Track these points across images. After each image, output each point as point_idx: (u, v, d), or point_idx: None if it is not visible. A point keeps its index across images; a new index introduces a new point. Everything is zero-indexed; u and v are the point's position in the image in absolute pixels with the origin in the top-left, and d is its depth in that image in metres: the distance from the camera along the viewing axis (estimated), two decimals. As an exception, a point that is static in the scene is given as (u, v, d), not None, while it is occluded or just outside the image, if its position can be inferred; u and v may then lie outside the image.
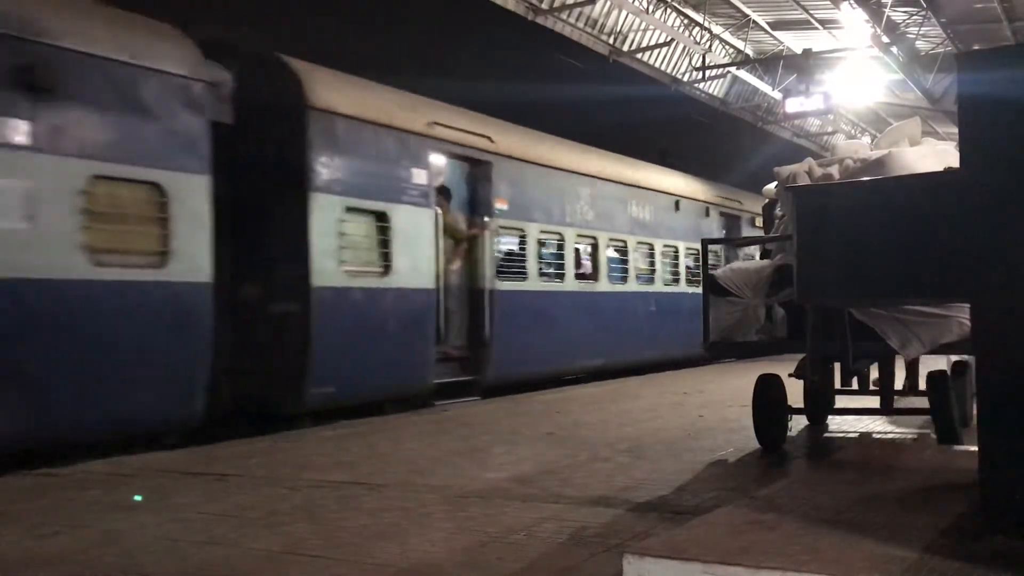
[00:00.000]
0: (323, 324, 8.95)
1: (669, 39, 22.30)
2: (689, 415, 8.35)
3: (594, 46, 21.65)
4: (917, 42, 21.34)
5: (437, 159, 10.83)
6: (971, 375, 6.50)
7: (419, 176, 10.32)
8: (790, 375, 6.24)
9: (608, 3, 20.70)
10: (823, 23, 21.16)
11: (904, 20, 20.30)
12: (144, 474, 5.89)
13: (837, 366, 6.49)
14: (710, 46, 22.62)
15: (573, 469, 5.70)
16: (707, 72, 24.16)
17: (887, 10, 18.85)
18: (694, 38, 22.23)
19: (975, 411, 3.47)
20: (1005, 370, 3.20)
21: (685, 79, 24.87)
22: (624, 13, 21.07)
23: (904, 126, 6.93)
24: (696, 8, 21.36)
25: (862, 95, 24.31)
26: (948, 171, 4.85)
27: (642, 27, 21.83)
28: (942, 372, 6.29)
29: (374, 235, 9.79)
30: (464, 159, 11.43)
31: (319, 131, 9.11)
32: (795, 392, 6.55)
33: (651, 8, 20.47)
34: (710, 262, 10.73)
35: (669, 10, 21.24)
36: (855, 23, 18.93)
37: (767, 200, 7.83)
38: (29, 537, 4.26)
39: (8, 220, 6.53)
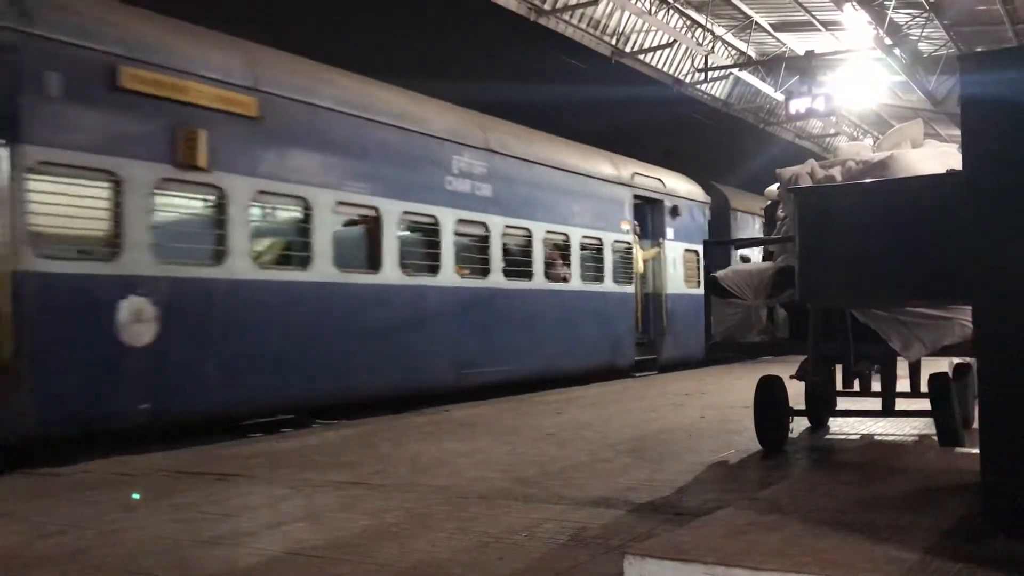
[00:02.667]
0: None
1: (671, 40, 22.32)
2: (690, 416, 8.35)
3: (596, 47, 21.67)
4: (920, 44, 21.35)
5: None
6: (973, 377, 6.49)
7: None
8: (791, 376, 6.24)
9: (611, 4, 20.71)
10: (825, 25, 21.17)
11: (907, 22, 20.31)
12: (145, 474, 5.90)
13: (839, 368, 6.49)
14: (712, 47, 22.64)
15: (574, 470, 5.70)
16: (709, 73, 24.19)
17: (890, 12, 18.86)
18: (696, 39, 22.25)
19: (977, 413, 3.47)
20: (1007, 372, 3.19)
21: (687, 80, 24.88)
22: (627, 14, 21.09)
23: (906, 128, 6.93)
24: (698, 9, 21.38)
25: (864, 97, 24.32)
26: (950, 173, 4.85)
27: (644, 28, 21.86)
28: (944, 374, 6.28)
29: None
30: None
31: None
32: (796, 394, 6.54)
33: (653, 9, 20.49)
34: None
35: (671, 11, 21.26)
36: (857, 25, 18.94)
37: (769, 202, 7.83)
38: (30, 537, 4.26)
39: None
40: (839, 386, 6.83)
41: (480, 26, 21.92)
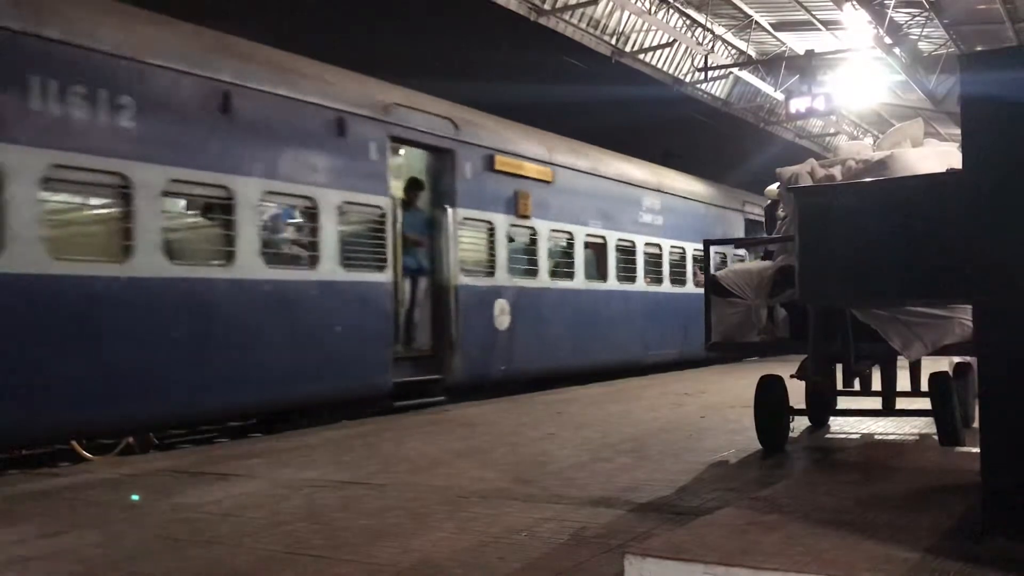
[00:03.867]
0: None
1: (671, 40, 22.30)
2: (691, 416, 8.34)
3: (596, 47, 21.65)
4: (920, 43, 21.33)
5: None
6: (973, 376, 6.49)
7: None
8: (792, 376, 6.24)
9: (610, 4, 20.71)
10: (825, 24, 21.15)
11: (907, 21, 20.29)
12: (145, 474, 5.90)
13: (839, 367, 6.49)
14: (712, 47, 22.62)
15: (574, 469, 5.70)
16: (709, 73, 24.16)
17: (890, 11, 18.84)
18: (696, 39, 22.23)
19: (977, 412, 3.47)
20: (1007, 371, 3.19)
21: (687, 80, 24.86)
22: (626, 14, 21.08)
23: (906, 127, 6.92)
24: (698, 9, 21.36)
25: (864, 96, 24.29)
26: (950, 172, 4.84)
27: (644, 28, 21.84)
28: (944, 373, 6.28)
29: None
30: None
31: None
32: (797, 393, 6.54)
33: (653, 9, 20.47)
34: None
35: (671, 11, 21.24)
36: (858, 24, 18.92)
37: (769, 201, 7.83)
38: (30, 537, 4.26)
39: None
40: (839, 385, 6.83)
41: (480, 26, 21.91)
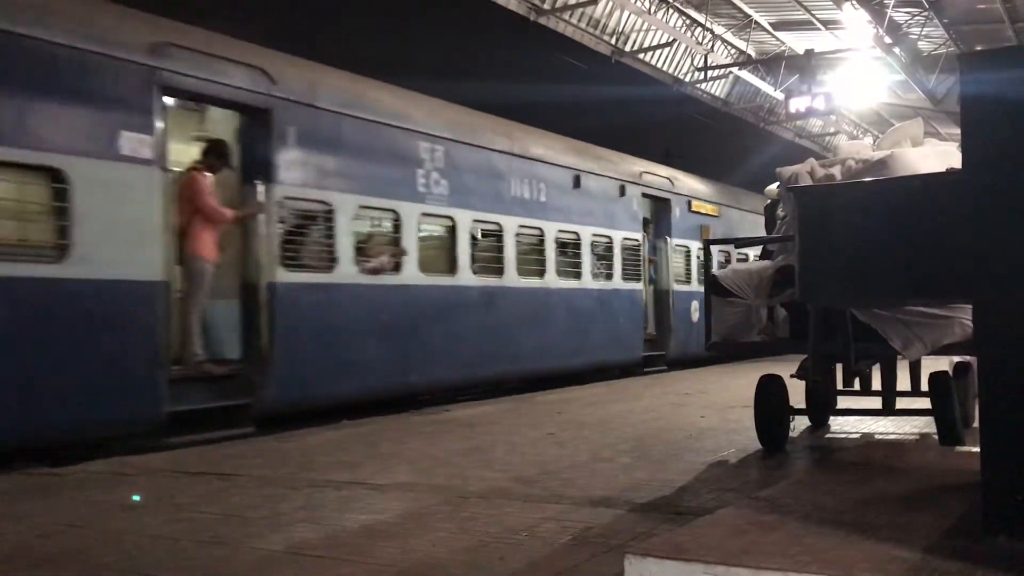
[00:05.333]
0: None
1: (671, 39, 22.32)
2: (691, 416, 8.34)
3: (596, 47, 21.66)
4: (919, 43, 21.34)
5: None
6: (973, 375, 6.49)
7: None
8: (792, 376, 6.24)
9: (610, 4, 20.71)
10: (825, 24, 21.16)
11: (906, 21, 20.30)
12: (146, 474, 5.90)
13: (839, 367, 6.49)
14: (712, 46, 22.63)
15: (575, 469, 5.70)
16: (709, 72, 24.18)
17: (889, 11, 18.85)
18: (696, 38, 22.24)
19: (977, 412, 3.47)
20: (1007, 371, 3.19)
21: (687, 79, 24.87)
22: (626, 14, 21.09)
23: (906, 127, 6.92)
24: (698, 8, 21.37)
25: (864, 96, 24.30)
26: (950, 172, 4.85)
27: (644, 27, 21.85)
28: (944, 373, 6.28)
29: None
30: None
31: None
32: (797, 393, 6.54)
33: (653, 8, 20.48)
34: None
35: (671, 10, 21.25)
36: (857, 24, 18.94)
37: (769, 200, 7.83)
38: (30, 536, 4.26)
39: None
40: (839, 385, 6.83)
41: (480, 26, 21.91)
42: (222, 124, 8.91)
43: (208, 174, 8.40)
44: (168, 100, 8.00)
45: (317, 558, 3.77)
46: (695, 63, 23.94)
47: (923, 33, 20.84)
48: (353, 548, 3.91)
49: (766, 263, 6.66)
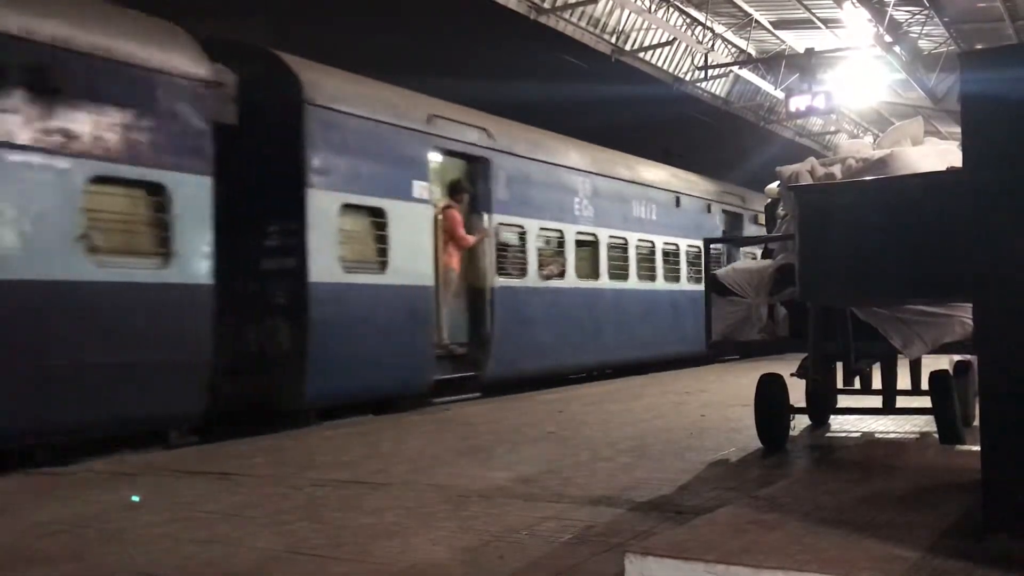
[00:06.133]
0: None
1: (672, 38, 22.28)
2: (691, 415, 8.34)
3: (596, 45, 21.63)
4: (920, 41, 21.31)
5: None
6: (973, 374, 6.49)
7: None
8: (792, 375, 6.24)
9: (610, 2, 20.69)
10: (825, 22, 21.12)
11: (907, 19, 20.27)
12: (146, 473, 5.90)
13: (839, 366, 6.48)
14: (712, 45, 22.61)
15: (575, 468, 5.70)
16: (709, 71, 24.13)
17: (890, 9, 18.82)
18: (696, 37, 22.22)
19: (977, 411, 3.47)
20: (1007, 369, 3.19)
21: (687, 78, 24.84)
22: (626, 12, 21.06)
23: (907, 125, 6.92)
24: (698, 7, 21.34)
25: (864, 94, 24.25)
26: (950, 170, 4.84)
27: (644, 26, 21.81)
28: (944, 372, 6.28)
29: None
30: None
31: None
32: (797, 392, 6.54)
33: (653, 7, 20.46)
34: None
35: (671, 9, 21.22)
36: (858, 22, 18.89)
37: (769, 200, 7.82)
38: (30, 536, 4.26)
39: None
40: (840, 384, 6.83)
41: (480, 25, 21.91)
42: (450, 170, 11.32)
43: (455, 206, 10.91)
44: (434, 155, 10.70)
45: (318, 557, 3.77)
46: (695, 62, 23.89)
47: (923, 32, 20.81)
48: (353, 547, 3.91)
49: (767, 262, 6.66)
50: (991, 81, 3.29)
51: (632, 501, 4.67)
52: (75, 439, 6.92)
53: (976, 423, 4.25)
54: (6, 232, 6.38)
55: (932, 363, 6.35)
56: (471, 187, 11.38)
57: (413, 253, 10.02)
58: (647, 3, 20.21)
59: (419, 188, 10.19)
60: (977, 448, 3.32)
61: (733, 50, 23.58)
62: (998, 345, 3.23)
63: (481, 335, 11.34)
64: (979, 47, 17.89)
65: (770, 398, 6.30)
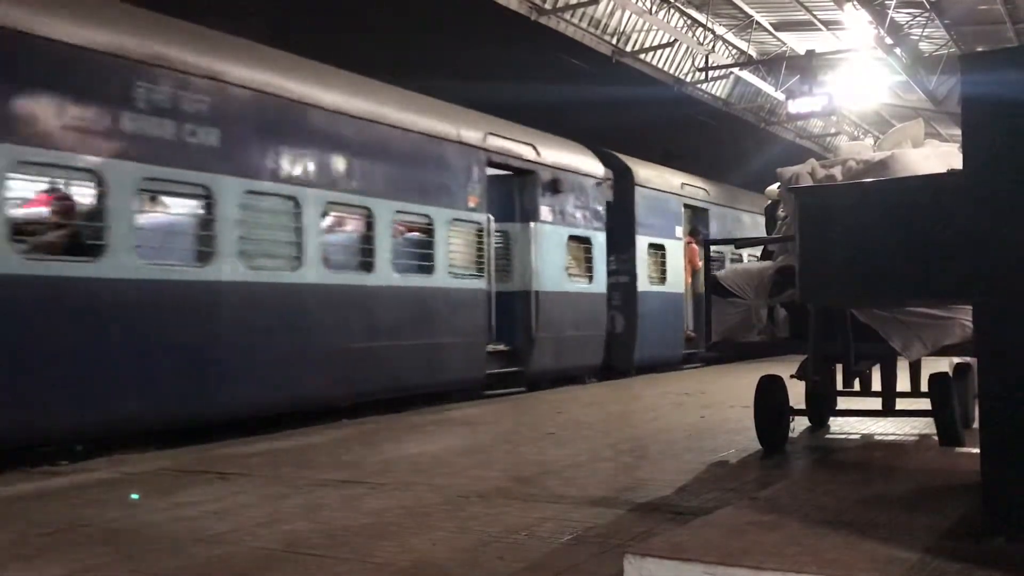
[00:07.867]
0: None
1: (672, 40, 22.32)
2: (690, 416, 8.34)
3: (597, 47, 21.66)
4: (920, 43, 21.34)
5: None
6: (973, 376, 6.49)
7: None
8: (792, 376, 6.24)
9: (611, 4, 20.71)
10: (826, 24, 21.16)
11: (907, 21, 20.30)
12: (145, 473, 5.89)
13: (839, 367, 6.48)
14: (713, 47, 22.63)
15: (574, 469, 5.70)
16: (710, 73, 24.18)
17: (890, 11, 18.85)
18: (697, 39, 22.24)
19: (977, 412, 3.47)
20: (1007, 371, 3.19)
21: (688, 80, 24.87)
22: (627, 14, 21.09)
23: (907, 127, 6.92)
24: (699, 9, 21.37)
25: (865, 96, 24.29)
26: (951, 173, 4.84)
27: (645, 28, 21.85)
28: (944, 373, 6.28)
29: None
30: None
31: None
32: (797, 393, 6.54)
33: (654, 9, 20.48)
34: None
35: (672, 11, 21.25)
36: (858, 24, 18.92)
37: (769, 201, 7.83)
38: (29, 535, 4.26)
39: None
40: (839, 386, 6.83)
41: (480, 25, 21.90)
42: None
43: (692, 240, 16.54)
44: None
45: (317, 557, 3.77)
46: (696, 63, 23.94)
47: (924, 34, 20.84)
48: (353, 547, 3.91)
49: (767, 263, 6.66)
50: (992, 83, 3.29)
51: (631, 502, 4.67)
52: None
53: (976, 425, 4.25)
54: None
55: (932, 365, 6.35)
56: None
57: (674, 272, 15.81)
58: (648, 4, 20.22)
59: (679, 231, 16.19)
60: (976, 450, 3.33)
61: (734, 51, 23.61)
62: (998, 347, 3.23)
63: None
64: (980, 49, 17.93)
65: (770, 399, 6.30)
